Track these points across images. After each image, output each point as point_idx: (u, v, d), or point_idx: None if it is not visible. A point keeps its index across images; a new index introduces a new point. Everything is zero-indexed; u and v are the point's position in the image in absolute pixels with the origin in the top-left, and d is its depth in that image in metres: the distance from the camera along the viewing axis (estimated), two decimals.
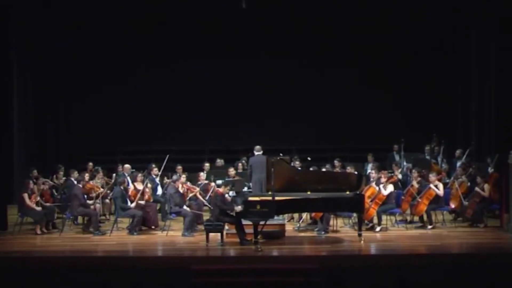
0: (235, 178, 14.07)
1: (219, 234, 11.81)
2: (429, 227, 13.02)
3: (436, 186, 13.07)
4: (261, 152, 13.71)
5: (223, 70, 18.58)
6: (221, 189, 12.38)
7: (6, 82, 15.00)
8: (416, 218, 13.50)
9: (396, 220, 13.39)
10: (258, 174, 13.20)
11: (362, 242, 11.81)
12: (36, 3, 16.89)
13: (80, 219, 13.83)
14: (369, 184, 13.22)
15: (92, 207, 13.23)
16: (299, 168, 13.28)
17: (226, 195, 12.55)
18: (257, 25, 18.10)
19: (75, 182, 13.74)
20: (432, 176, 13.20)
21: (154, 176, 14.29)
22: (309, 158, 13.80)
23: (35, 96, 17.38)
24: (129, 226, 12.87)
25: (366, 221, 12.87)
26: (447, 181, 14.39)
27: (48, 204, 13.41)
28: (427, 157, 15.62)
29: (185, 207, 12.83)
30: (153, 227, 13.19)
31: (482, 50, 16.69)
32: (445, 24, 17.81)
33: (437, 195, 13.01)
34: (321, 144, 18.78)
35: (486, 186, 13.15)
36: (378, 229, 12.85)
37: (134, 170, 14.32)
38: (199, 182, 13.73)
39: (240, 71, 18.55)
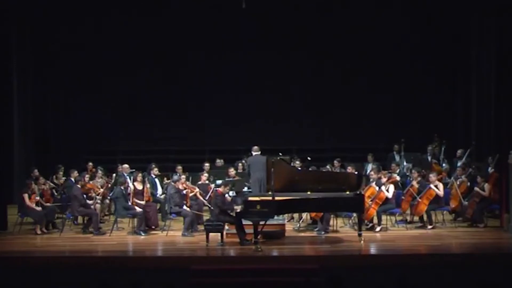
0: (235, 178, 14.07)
1: (219, 234, 11.80)
2: (429, 227, 13.02)
3: (436, 186, 13.07)
4: (259, 152, 13.71)
5: (223, 70, 18.58)
6: (221, 189, 12.38)
7: (6, 81, 14.98)
8: (416, 218, 13.50)
9: (396, 220, 13.40)
10: (256, 174, 13.20)
11: (362, 242, 11.81)
12: (36, 1, 16.87)
13: (80, 219, 13.83)
14: (369, 184, 13.21)
15: (92, 207, 13.23)
16: (299, 168, 13.28)
17: (226, 195, 12.55)
18: (257, 25, 18.10)
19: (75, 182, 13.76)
20: (432, 176, 13.19)
21: (154, 176, 14.28)
22: (309, 158, 13.81)
23: (35, 96, 17.39)
24: (135, 228, 12.86)
25: (366, 221, 12.87)
26: (448, 181, 14.39)
27: (48, 204, 13.42)
28: (429, 157, 15.61)
29: (185, 207, 12.83)
30: (153, 227, 13.19)
31: (482, 50, 16.70)
32: (445, 24, 17.80)
33: (437, 195, 13.01)
34: (321, 144, 18.77)
35: (486, 185, 13.15)
36: (378, 229, 12.85)
37: (133, 170, 14.31)
38: (200, 182, 13.72)
39: (240, 71, 18.54)
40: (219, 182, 13.40)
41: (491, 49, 15.69)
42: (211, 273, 10.63)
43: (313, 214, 13.13)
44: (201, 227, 12.71)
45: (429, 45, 18.15)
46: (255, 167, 13.25)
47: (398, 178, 13.99)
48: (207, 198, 13.43)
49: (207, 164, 15.20)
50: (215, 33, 18.30)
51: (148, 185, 13.56)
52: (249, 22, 17.78)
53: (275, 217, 11.95)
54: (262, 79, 18.56)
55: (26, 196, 13.00)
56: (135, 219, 12.93)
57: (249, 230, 11.61)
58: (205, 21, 18.24)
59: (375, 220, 12.92)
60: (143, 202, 13.12)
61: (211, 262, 11.01)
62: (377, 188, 12.96)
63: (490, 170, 14.04)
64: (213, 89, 18.68)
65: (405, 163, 15.90)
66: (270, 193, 11.57)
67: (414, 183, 13.39)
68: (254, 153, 13.79)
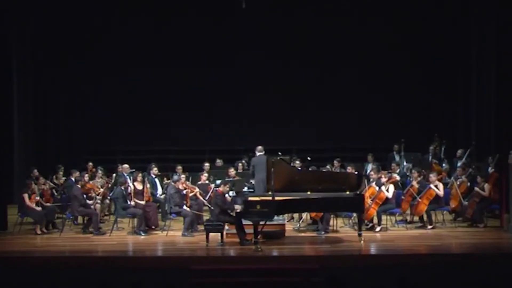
0: (235, 178, 14.06)
1: (219, 234, 11.81)
2: (429, 227, 13.02)
3: (436, 186, 13.07)
4: (263, 153, 13.68)
5: (223, 70, 18.59)
6: (221, 188, 12.38)
7: (6, 82, 14.98)
8: (416, 218, 13.50)
9: (396, 220, 13.39)
10: (260, 174, 13.16)
11: (362, 242, 11.82)
12: (36, 3, 16.87)
13: (80, 219, 13.83)
14: (369, 184, 13.21)
15: (92, 207, 13.22)
16: (299, 168, 13.28)
17: (226, 195, 12.55)
18: (257, 25, 18.11)
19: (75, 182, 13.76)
20: (433, 176, 13.19)
21: (154, 176, 14.28)
22: (309, 158, 13.81)
23: (35, 96, 17.38)
24: (135, 228, 12.87)
25: (366, 221, 12.87)
26: (448, 181, 14.39)
27: (48, 204, 13.42)
28: (430, 157, 15.61)
29: (185, 207, 12.83)
30: (153, 227, 13.19)
31: (482, 50, 16.69)
32: (445, 24, 17.80)
33: (437, 195, 13.01)
34: (321, 144, 18.77)
35: (486, 185, 13.15)
36: (378, 229, 12.85)
37: (133, 170, 14.31)
38: (200, 182, 13.72)
39: (240, 71, 18.55)
40: (219, 182, 13.39)
41: (491, 49, 15.68)
42: (211, 273, 10.63)
43: (313, 214, 13.12)
44: (201, 227, 12.71)
45: (429, 45, 18.15)
46: (259, 167, 13.21)
47: (398, 178, 13.99)
48: (207, 198, 13.42)
49: (207, 164, 15.19)
50: (215, 33, 18.31)
51: (148, 185, 13.55)
52: (249, 22, 17.79)
53: (275, 217, 11.95)
54: (262, 79, 18.56)
55: (26, 196, 12.99)
56: (135, 219, 12.93)
57: (249, 230, 11.61)
58: (205, 21, 18.25)
59: (375, 220, 12.92)
60: (143, 202, 13.11)
61: (211, 262, 11.00)
62: (377, 188, 12.96)
63: (490, 170, 14.04)
64: (213, 89, 18.68)
65: (405, 163, 15.90)
66: (270, 193, 11.58)
67: (414, 183, 13.39)
68: (258, 153, 13.75)
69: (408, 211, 13.52)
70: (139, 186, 13.26)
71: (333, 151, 18.05)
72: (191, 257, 11.18)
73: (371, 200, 12.78)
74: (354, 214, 12.63)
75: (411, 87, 18.48)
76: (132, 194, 13.01)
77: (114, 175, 14.90)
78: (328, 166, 14.56)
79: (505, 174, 12.67)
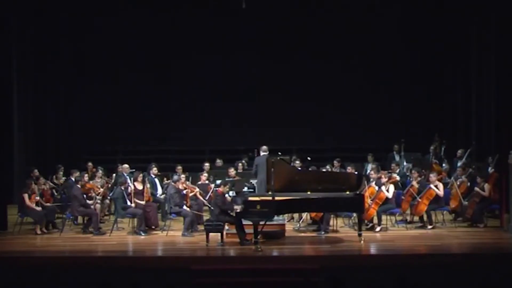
0: (235, 178, 14.06)
1: (219, 234, 11.81)
2: (429, 227, 13.02)
3: (436, 186, 13.07)
4: (267, 153, 13.64)
5: (224, 70, 18.60)
6: (220, 189, 12.38)
7: (6, 81, 14.99)
8: (416, 218, 13.50)
9: (396, 220, 13.39)
10: (263, 174, 13.12)
11: (362, 242, 11.82)
12: (37, 3, 16.87)
13: (80, 219, 13.83)
14: (369, 184, 13.21)
15: (92, 207, 13.22)
16: (299, 168, 13.27)
17: (226, 195, 12.55)
18: (257, 26, 18.11)
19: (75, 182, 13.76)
20: (433, 176, 13.19)
21: (154, 176, 14.27)
22: (309, 158, 13.81)
23: (35, 96, 17.38)
24: (135, 228, 12.87)
25: (366, 221, 12.87)
26: (448, 181, 14.39)
27: (48, 204, 13.42)
28: (431, 157, 15.61)
29: (185, 207, 12.83)
30: (153, 227, 13.19)
31: (482, 50, 16.69)
32: (445, 24, 17.80)
33: (437, 195, 13.01)
34: (321, 144, 18.78)
35: (486, 186, 13.15)
36: (378, 229, 12.85)
37: (134, 170, 14.31)
38: (200, 182, 13.72)
39: (240, 71, 18.56)
40: (219, 182, 13.39)
41: (491, 49, 15.68)
42: (211, 273, 10.63)
43: (313, 214, 13.12)
44: (201, 227, 12.71)
45: (429, 45, 18.16)
46: (262, 167, 13.19)
47: (398, 178, 13.99)
48: (207, 198, 13.42)
49: (207, 164, 15.19)
50: (215, 33, 18.32)
51: (148, 185, 13.55)
52: (249, 23, 17.79)
53: (275, 217, 11.94)
54: (262, 79, 18.56)
55: (26, 196, 12.99)
56: (135, 219, 12.93)
57: (249, 230, 11.61)
58: (205, 21, 18.26)
59: (375, 220, 12.93)
60: (143, 202, 13.11)
61: (211, 262, 11.01)
62: (377, 188, 12.96)
63: (490, 170, 14.04)
64: (213, 89, 18.69)
65: (405, 163, 15.91)
66: (270, 193, 11.57)
67: (414, 183, 13.39)
68: (262, 153, 13.71)
69: (408, 211, 13.52)
70: (139, 186, 13.26)
71: (333, 151, 18.06)
72: (191, 257, 11.18)
73: (371, 200, 12.78)
74: (354, 214, 12.63)
75: (411, 87, 18.49)
76: (132, 194, 13.01)
77: (114, 175, 14.90)
78: (328, 166, 14.55)
79: (505, 174, 12.67)
